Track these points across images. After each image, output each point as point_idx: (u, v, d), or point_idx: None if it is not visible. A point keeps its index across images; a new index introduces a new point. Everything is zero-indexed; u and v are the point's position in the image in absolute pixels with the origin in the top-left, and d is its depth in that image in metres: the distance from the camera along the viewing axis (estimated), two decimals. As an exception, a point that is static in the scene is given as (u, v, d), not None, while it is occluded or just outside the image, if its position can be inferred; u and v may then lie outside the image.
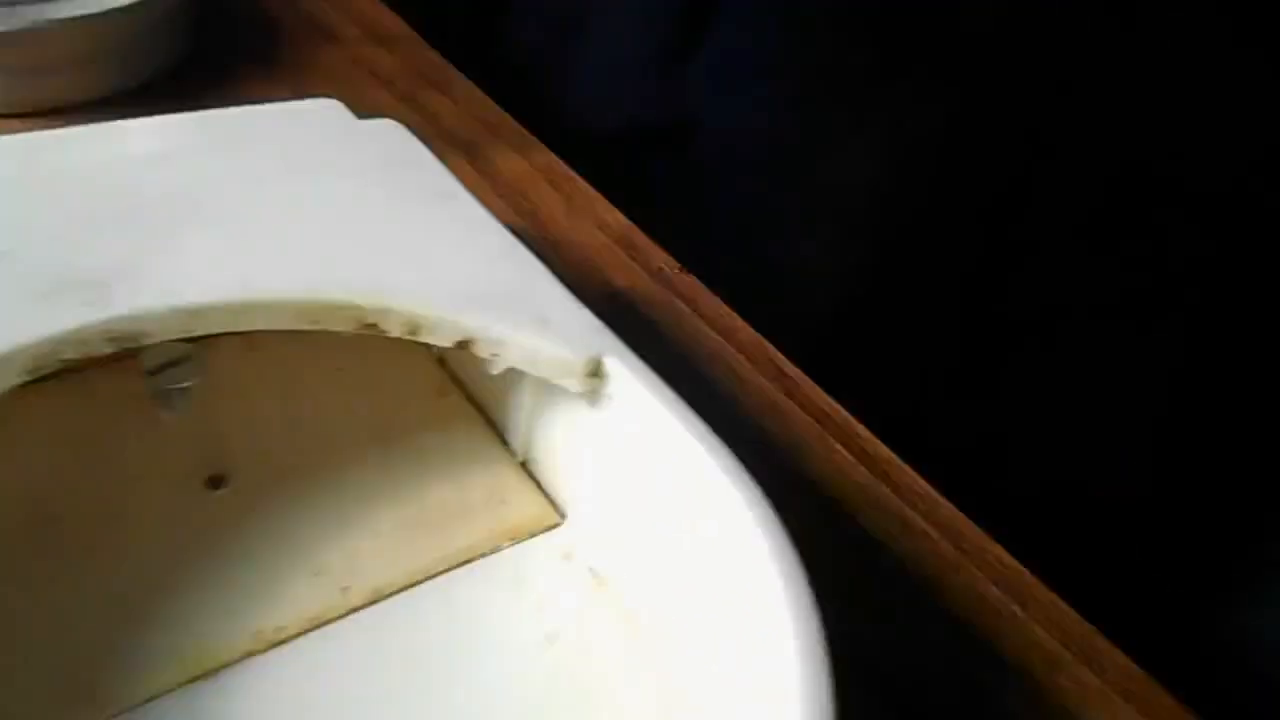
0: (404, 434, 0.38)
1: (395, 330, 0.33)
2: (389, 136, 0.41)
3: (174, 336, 0.31)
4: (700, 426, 0.30)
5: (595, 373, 0.32)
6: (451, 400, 0.40)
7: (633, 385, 0.31)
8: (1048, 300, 0.50)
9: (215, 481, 0.35)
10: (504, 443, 0.38)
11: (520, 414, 0.37)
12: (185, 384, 0.35)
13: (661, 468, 0.31)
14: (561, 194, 0.56)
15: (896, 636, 0.37)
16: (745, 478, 0.29)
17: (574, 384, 0.32)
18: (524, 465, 0.38)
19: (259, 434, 0.37)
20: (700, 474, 0.29)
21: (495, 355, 0.32)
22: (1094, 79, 0.47)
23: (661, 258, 0.52)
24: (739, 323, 0.49)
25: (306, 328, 0.32)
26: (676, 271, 0.52)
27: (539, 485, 0.37)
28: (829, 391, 0.46)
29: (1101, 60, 0.46)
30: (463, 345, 0.32)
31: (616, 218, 0.54)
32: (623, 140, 0.65)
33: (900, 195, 0.55)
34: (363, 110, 0.42)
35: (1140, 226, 0.47)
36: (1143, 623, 0.39)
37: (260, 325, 0.32)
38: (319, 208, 0.36)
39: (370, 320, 0.32)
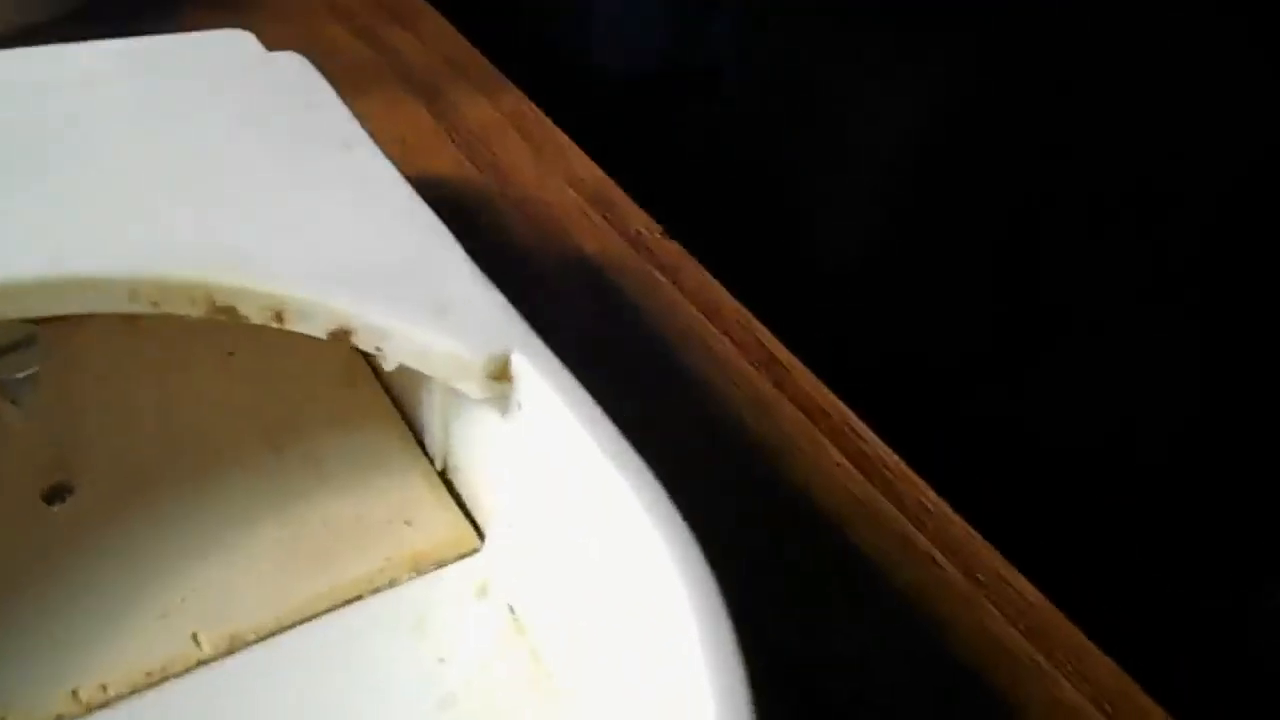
0: (300, 435, 0.31)
1: (255, 316, 0.26)
2: (289, 72, 0.34)
3: (-27, 321, 0.25)
4: (619, 446, 0.23)
5: (499, 375, 0.25)
6: (362, 393, 0.33)
7: (543, 391, 0.24)
8: (1083, 283, 0.43)
9: (56, 493, 0.29)
10: (421, 446, 0.32)
11: (434, 414, 0.30)
12: (26, 371, 0.29)
13: (575, 493, 0.25)
14: (531, 144, 0.49)
15: (889, 691, 0.30)
16: (667, 511, 0.22)
17: (473, 388, 0.25)
18: (443, 474, 0.31)
19: (118, 433, 0.31)
20: (615, 506, 0.23)
21: (379, 350, 0.26)
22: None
23: (641, 220, 0.45)
24: (724, 298, 0.42)
25: (143, 311, 0.26)
26: (657, 236, 0.45)
27: (459, 498, 0.31)
28: (828, 382, 0.39)
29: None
30: (339, 336, 0.26)
31: (592, 172, 0.48)
32: (639, 86, 0.58)
33: (927, 157, 0.48)
34: (316, 48, 0.35)
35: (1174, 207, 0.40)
36: (1184, 671, 0.33)
37: (82, 308, 0.26)
38: (186, 157, 0.30)
39: (223, 303, 0.26)
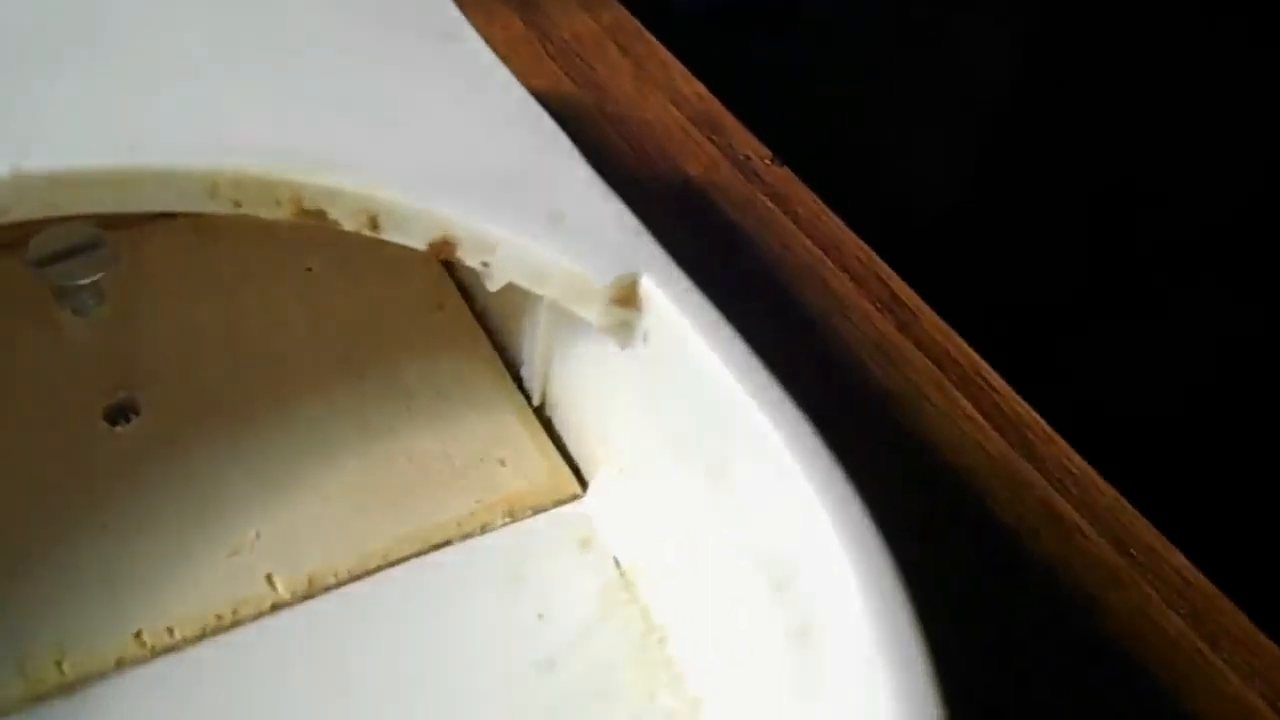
0: (383, 361, 0.29)
1: (347, 221, 0.23)
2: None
3: (33, 215, 0.22)
4: (772, 392, 0.20)
5: (626, 300, 0.22)
6: (451, 318, 0.30)
7: (677, 321, 0.21)
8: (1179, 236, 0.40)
9: (119, 412, 0.26)
10: (516, 378, 0.29)
11: (535, 342, 0.27)
12: (89, 278, 0.26)
13: (710, 439, 0.22)
14: (631, 59, 0.45)
15: (1029, 680, 0.27)
16: (825, 461, 0.19)
17: (594, 314, 0.22)
18: (540, 411, 0.28)
19: (187, 351, 0.28)
20: (763, 457, 0.20)
21: (486, 265, 0.23)
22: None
23: (750, 144, 0.42)
24: (843, 232, 0.39)
25: (222, 211, 0.23)
26: (767, 163, 0.41)
27: (558, 440, 0.28)
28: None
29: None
30: (440, 248, 0.23)
31: (696, 90, 0.44)
32: (720, 17, 0.55)
33: (1016, 100, 0.45)
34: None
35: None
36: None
37: (155, 205, 0.23)
38: (271, 39, 0.27)
39: (311, 205, 0.23)
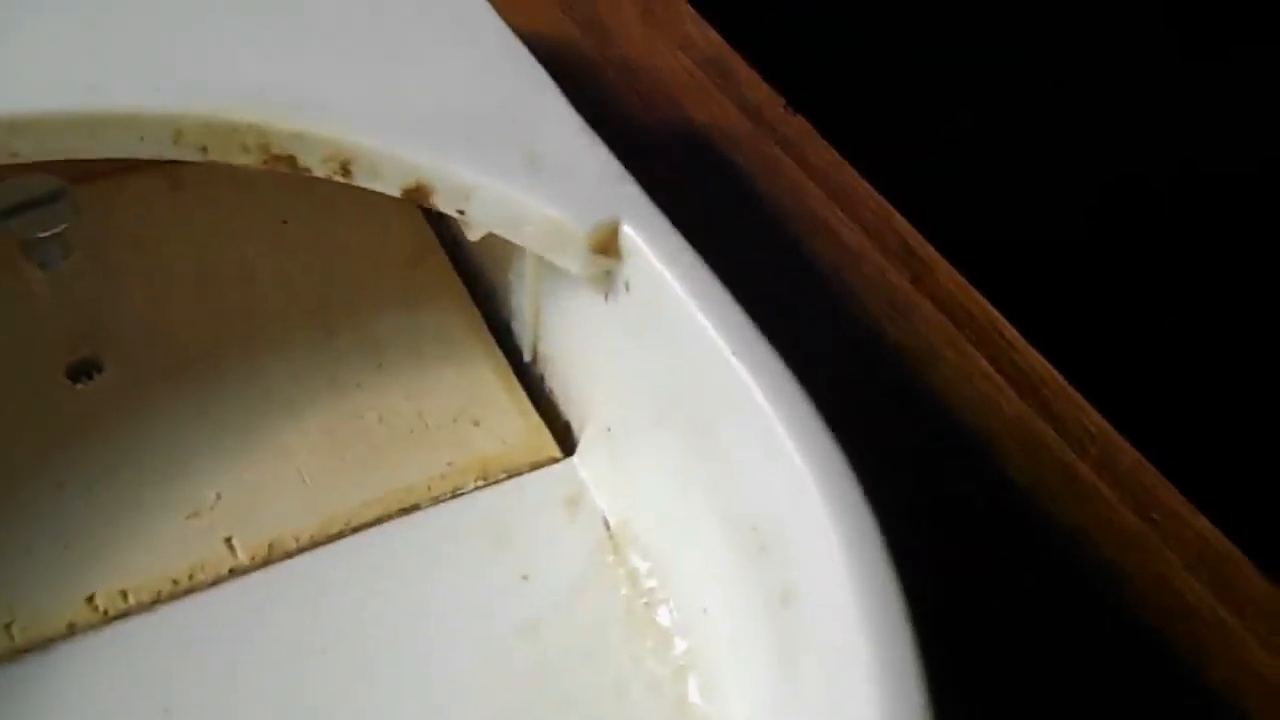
0: (357, 316, 0.28)
1: (319, 168, 0.23)
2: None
3: (-11, 160, 0.22)
4: (755, 343, 0.19)
5: (605, 248, 0.22)
6: (431, 272, 0.30)
7: (658, 270, 0.21)
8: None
9: (82, 369, 0.26)
10: (508, 333, 0.28)
11: (524, 294, 0.27)
12: (51, 230, 0.26)
13: (693, 394, 0.21)
14: (639, 2, 0.44)
15: (1047, 650, 0.26)
16: (811, 419, 0.19)
17: (574, 262, 0.22)
18: (534, 366, 0.28)
19: (153, 307, 0.28)
20: (744, 411, 0.19)
21: (462, 212, 0.22)
22: None
23: (762, 91, 0.41)
24: (856, 181, 0.38)
25: (189, 157, 0.23)
26: (780, 109, 0.40)
27: (550, 398, 0.27)
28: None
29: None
30: (415, 194, 0.23)
31: (707, 35, 0.43)
32: None
33: (1042, 44, 0.43)
34: None
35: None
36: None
37: (119, 151, 0.23)
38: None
39: (281, 150, 0.23)
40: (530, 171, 0.22)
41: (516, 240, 0.22)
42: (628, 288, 0.22)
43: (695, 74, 0.42)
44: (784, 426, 0.18)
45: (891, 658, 0.16)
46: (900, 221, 0.37)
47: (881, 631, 0.16)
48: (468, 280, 0.30)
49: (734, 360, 0.19)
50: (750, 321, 0.20)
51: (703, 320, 0.20)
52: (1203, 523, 0.30)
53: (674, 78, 0.41)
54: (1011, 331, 0.34)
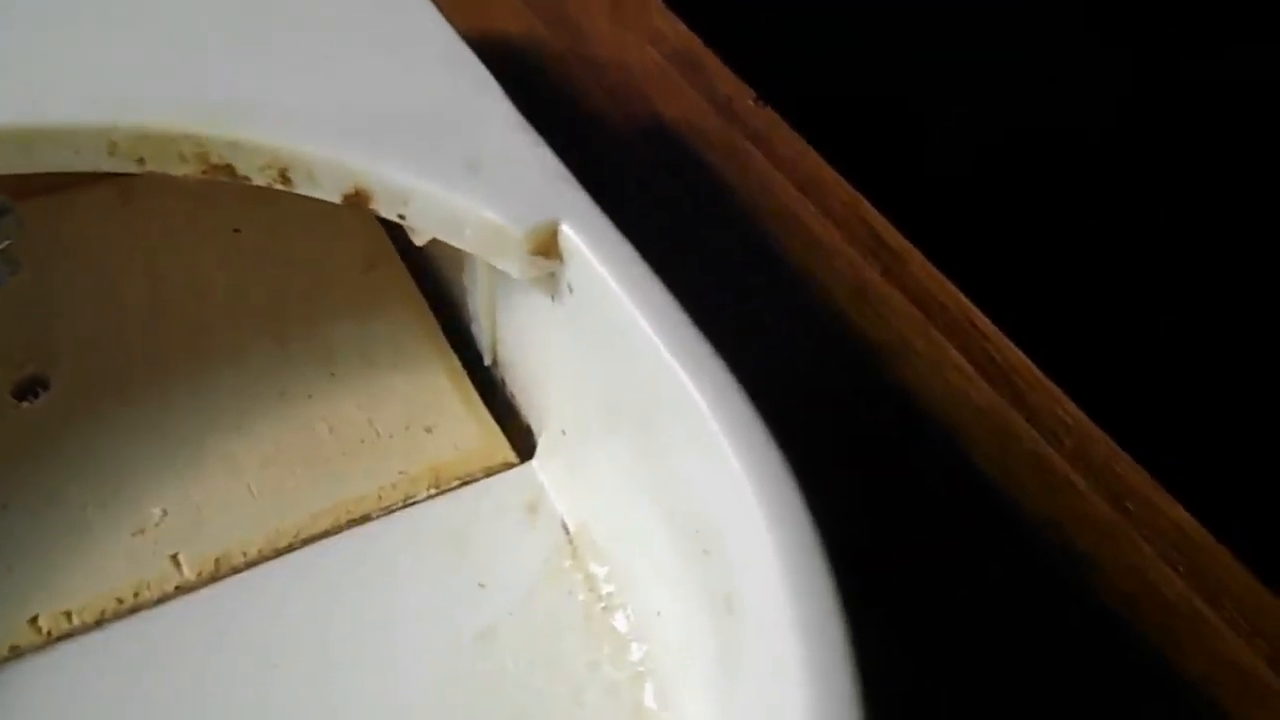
0: (309, 325, 0.28)
1: (257, 176, 0.23)
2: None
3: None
4: (689, 340, 0.19)
5: (545, 250, 0.21)
6: (385, 278, 0.30)
7: (596, 271, 0.20)
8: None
9: (27, 387, 0.26)
10: (469, 337, 0.28)
11: (480, 299, 0.27)
12: (-2, 246, 0.26)
13: (635, 395, 0.21)
14: (608, -3, 0.44)
15: (1016, 642, 0.26)
16: (745, 418, 0.19)
17: (514, 266, 0.22)
18: (495, 369, 0.28)
19: (102, 321, 0.28)
20: (683, 412, 0.19)
21: (403, 217, 0.22)
22: None
23: (731, 84, 0.41)
24: (826, 173, 0.37)
25: (126, 169, 0.23)
26: (750, 103, 0.40)
27: (510, 399, 0.27)
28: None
29: None
30: (355, 200, 0.22)
31: (676, 30, 0.43)
32: None
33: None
34: None
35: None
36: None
37: (54, 165, 0.22)
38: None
39: (218, 160, 0.23)
40: (469, 174, 0.22)
41: (457, 244, 0.22)
42: (570, 289, 0.22)
43: (665, 68, 0.41)
44: (720, 426, 0.18)
45: (824, 664, 0.16)
46: (871, 212, 0.37)
47: (814, 637, 0.16)
48: (429, 286, 0.30)
49: (670, 359, 0.19)
50: (690, 321, 0.20)
51: (640, 319, 0.20)
52: (1179, 513, 0.29)
53: (643, 72, 0.41)
54: (984, 321, 0.34)
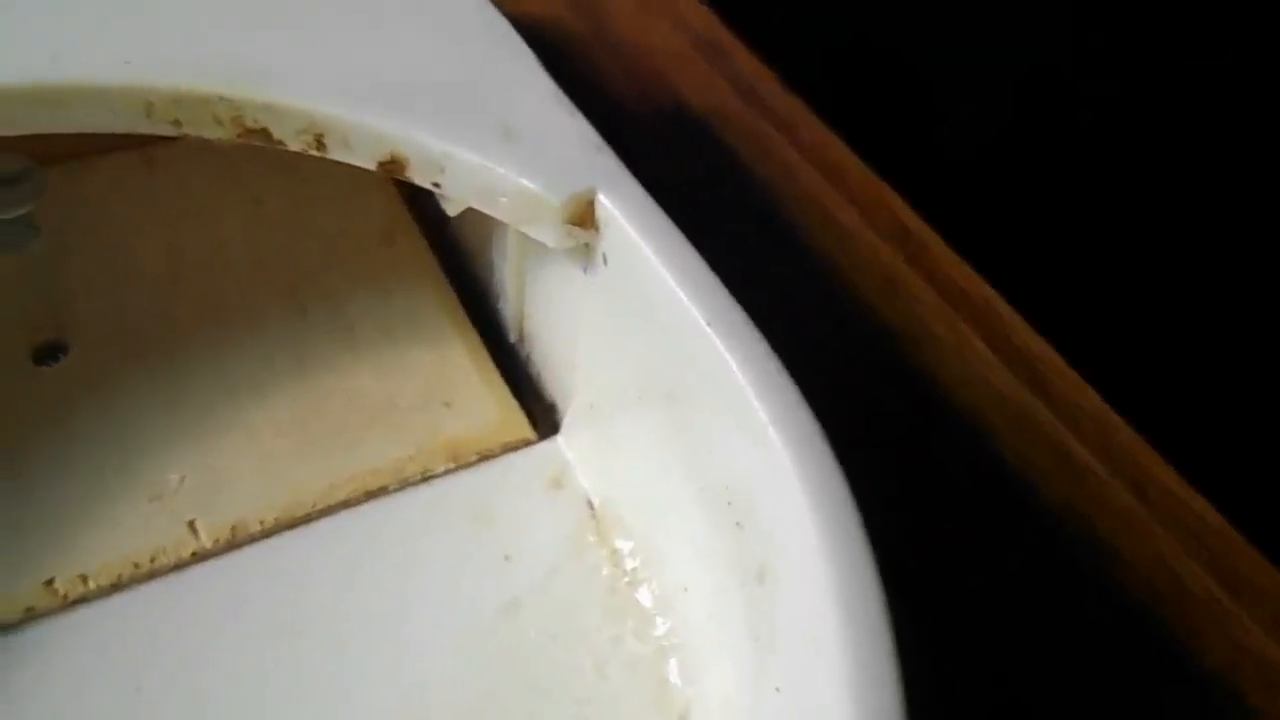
0: (329, 296, 0.28)
1: (292, 141, 0.23)
2: None
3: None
4: (730, 314, 0.19)
5: (581, 219, 0.21)
6: (406, 251, 0.29)
7: (634, 242, 0.20)
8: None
9: (47, 352, 0.26)
10: (495, 313, 0.28)
11: (507, 271, 0.27)
12: (16, 211, 0.26)
13: (670, 369, 0.21)
14: (631, -19, 0.44)
15: (1035, 631, 0.26)
16: (787, 396, 0.18)
17: (549, 235, 0.21)
18: (520, 345, 0.28)
19: (122, 287, 0.28)
20: (722, 386, 0.19)
21: (438, 185, 0.22)
22: None
23: (756, 70, 0.41)
24: (850, 160, 0.37)
25: (161, 132, 0.22)
26: (774, 87, 0.40)
27: (536, 375, 0.27)
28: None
29: None
30: (390, 167, 0.22)
31: (700, 14, 0.43)
32: None
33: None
34: None
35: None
36: None
37: (88, 126, 0.22)
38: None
39: (253, 124, 0.22)
40: (505, 142, 0.22)
41: (492, 213, 0.22)
42: (605, 260, 0.22)
43: (688, 52, 0.41)
44: (758, 397, 0.18)
45: (864, 636, 0.16)
46: (895, 199, 0.37)
47: (854, 609, 0.16)
48: (453, 260, 0.30)
49: (709, 330, 0.19)
50: (727, 292, 0.20)
51: (679, 290, 0.20)
52: (1201, 503, 0.29)
53: (666, 56, 0.41)
54: (1007, 309, 0.34)
